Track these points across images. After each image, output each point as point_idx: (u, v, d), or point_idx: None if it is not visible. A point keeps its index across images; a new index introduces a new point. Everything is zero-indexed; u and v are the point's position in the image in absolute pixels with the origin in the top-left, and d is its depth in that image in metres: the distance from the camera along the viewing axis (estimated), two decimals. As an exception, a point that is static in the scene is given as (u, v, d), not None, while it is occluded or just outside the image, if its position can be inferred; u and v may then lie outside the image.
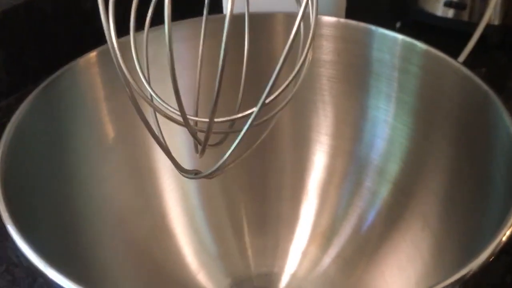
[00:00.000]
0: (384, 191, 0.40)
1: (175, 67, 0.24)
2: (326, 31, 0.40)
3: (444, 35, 0.56)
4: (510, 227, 0.26)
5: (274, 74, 0.24)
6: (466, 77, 0.34)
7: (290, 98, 0.30)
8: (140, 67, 0.30)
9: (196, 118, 0.29)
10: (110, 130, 0.40)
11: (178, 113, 0.26)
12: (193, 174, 0.29)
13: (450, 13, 0.57)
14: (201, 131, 0.28)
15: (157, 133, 0.31)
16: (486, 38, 0.55)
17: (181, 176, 0.39)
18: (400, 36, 0.38)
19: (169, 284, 0.40)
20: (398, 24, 0.60)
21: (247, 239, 0.43)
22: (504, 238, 0.26)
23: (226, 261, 0.42)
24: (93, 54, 0.38)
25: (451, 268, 0.31)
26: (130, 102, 0.26)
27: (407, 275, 0.37)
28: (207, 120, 0.26)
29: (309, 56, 0.29)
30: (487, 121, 0.33)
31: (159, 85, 0.29)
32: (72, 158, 0.37)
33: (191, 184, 0.42)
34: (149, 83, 0.29)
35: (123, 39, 0.26)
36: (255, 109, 0.25)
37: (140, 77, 0.29)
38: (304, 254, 0.42)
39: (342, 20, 0.40)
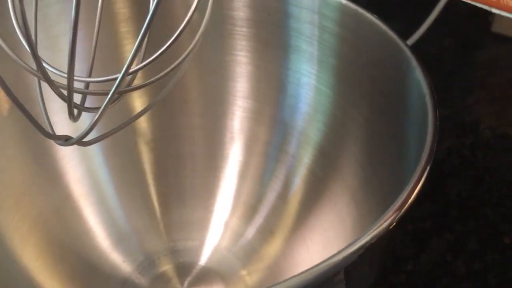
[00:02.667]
0: (308, 157, 0.39)
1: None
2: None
3: (415, 2, 0.56)
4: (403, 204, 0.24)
5: (138, 38, 0.21)
6: (385, 36, 0.33)
7: (187, 54, 0.28)
8: (19, 25, 0.27)
9: (58, 72, 0.26)
10: (2, 100, 0.37)
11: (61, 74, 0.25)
12: (63, 140, 0.26)
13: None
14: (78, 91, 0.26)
15: (41, 102, 0.28)
16: (455, 6, 0.53)
17: (86, 148, 0.36)
18: (316, -10, 0.36)
19: (79, 267, 0.38)
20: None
21: (162, 213, 0.41)
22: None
23: (142, 238, 0.40)
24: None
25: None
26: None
27: (331, 250, 0.35)
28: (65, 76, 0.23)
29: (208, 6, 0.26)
30: (406, 84, 0.31)
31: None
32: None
33: (98, 157, 0.40)
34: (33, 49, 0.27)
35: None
36: (119, 75, 0.23)
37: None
38: (227, 225, 0.41)
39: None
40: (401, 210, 0.24)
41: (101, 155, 0.40)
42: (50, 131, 0.27)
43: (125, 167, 0.41)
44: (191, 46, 0.28)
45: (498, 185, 0.45)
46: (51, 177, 0.39)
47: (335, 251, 0.35)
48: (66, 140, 0.26)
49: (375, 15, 0.33)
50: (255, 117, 0.41)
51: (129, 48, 0.40)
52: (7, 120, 0.37)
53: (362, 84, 0.35)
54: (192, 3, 0.26)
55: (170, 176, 0.42)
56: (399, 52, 0.32)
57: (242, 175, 0.41)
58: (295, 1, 0.37)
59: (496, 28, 0.58)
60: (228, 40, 0.40)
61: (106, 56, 0.35)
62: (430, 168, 0.26)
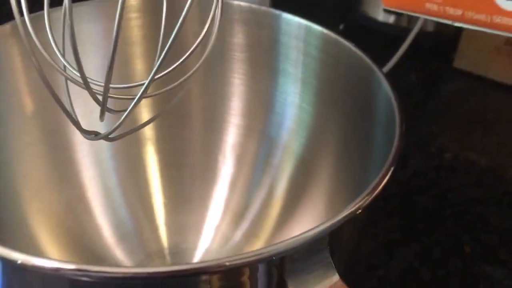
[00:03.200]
0: (290, 167, 0.42)
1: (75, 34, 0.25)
2: (237, 16, 0.42)
3: (385, 40, 0.60)
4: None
5: (164, 50, 0.26)
6: (360, 60, 0.36)
7: (194, 71, 0.32)
8: (54, 39, 0.31)
9: (94, 81, 0.30)
10: (28, 103, 0.40)
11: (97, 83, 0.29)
12: (93, 135, 0.30)
13: (391, 19, 0.60)
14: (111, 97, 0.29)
15: (67, 101, 0.33)
16: (421, 44, 0.58)
17: (99, 153, 0.40)
18: (303, 21, 0.40)
19: (86, 257, 0.41)
20: (341, 26, 0.62)
21: (162, 216, 0.45)
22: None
23: (142, 237, 0.43)
24: (8, 26, 0.38)
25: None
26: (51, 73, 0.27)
27: None
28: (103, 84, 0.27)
29: (213, 34, 0.31)
30: (378, 101, 0.35)
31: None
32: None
33: (109, 162, 0.43)
34: (62, 54, 0.31)
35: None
36: (145, 82, 0.27)
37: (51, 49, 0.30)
38: (217, 230, 0.44)
39: (254, 6, 0.42)
40: (373, 193, 0.27)
41: (112, 161, 0.43)
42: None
43: (132, 173, 0.44)
44: (197, 65, 0.32)
45: (459, 201, 0.48)
46: (66, 177, 0.42)
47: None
48: (95, 135, 0.30)
49: (353, 43, 0.37)
50: (246, 132, 0.44)
51: (139, 66, 0.44)
52: (32, 121, 0.40)
53: (339, 102, 0.39)
54: (200, 33, 0.30)
55: (172, 184, 0.45)
56: (371, 73, 0.35)
57: (232, 185, 0.45)
58: (284, 30, 0.41)
59: (457, 64, 0.62)
60: (225, 63, 0.43)
61: (117, 71, 0.38)
62: (395, 167, 0.29)
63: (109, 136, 0.30)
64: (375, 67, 0.35)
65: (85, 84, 0.28)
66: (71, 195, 0.42)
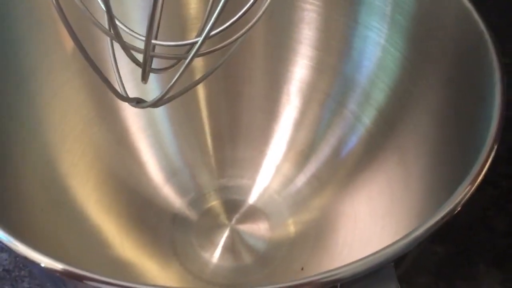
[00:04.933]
0: (368, 117, 0.38)
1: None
2: None
3: None
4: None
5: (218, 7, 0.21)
6: (466, 11, 0.31)
7: (254, 22, 0.27)
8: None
9: (134, 34, 0.26)
10: (68, 40, 0.35)
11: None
12: (134, 102, 0.26)
13: None
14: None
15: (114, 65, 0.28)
16: None
17: (143, 86, 0.36)
18: None
19: (133, 199, 0.38)
20: None
21: (215, 149, 0.42)
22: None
23: (193, 173, 0.41)
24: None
25: (414, 211, 0.31)
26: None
27: (374, 206, 0.36)
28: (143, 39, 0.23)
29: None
30: (479, 64, 0.30)
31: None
32: (26, 65, 0.35)
33: (154, 94, 0.38)
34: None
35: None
36: (199, 39, 0.23)
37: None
38: (279, 168, 0.41)
39: None
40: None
41: (158, 91, 0.39)
42: (124, 93, 0.27)
43: (180, 103, 0.39)
44: (258, 15, 0.27)
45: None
46: (111, 111, 0.39)
47: (377, 208, 0.35)
48: (137, 103, 0.26)
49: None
50: (316, 65, 0.39)
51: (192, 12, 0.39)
52: (74, 56, 0.37)
53: (434, 54, 0.34)
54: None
55: (224, 114, 0.42)
56: (476, 29, 0.30)
57: (298, 122, 0.41)
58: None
59: None
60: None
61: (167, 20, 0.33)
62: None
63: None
64: (482, 24, 0.30)
65: (116, 36, 0.23)
66: (116, 131, 0.39)
